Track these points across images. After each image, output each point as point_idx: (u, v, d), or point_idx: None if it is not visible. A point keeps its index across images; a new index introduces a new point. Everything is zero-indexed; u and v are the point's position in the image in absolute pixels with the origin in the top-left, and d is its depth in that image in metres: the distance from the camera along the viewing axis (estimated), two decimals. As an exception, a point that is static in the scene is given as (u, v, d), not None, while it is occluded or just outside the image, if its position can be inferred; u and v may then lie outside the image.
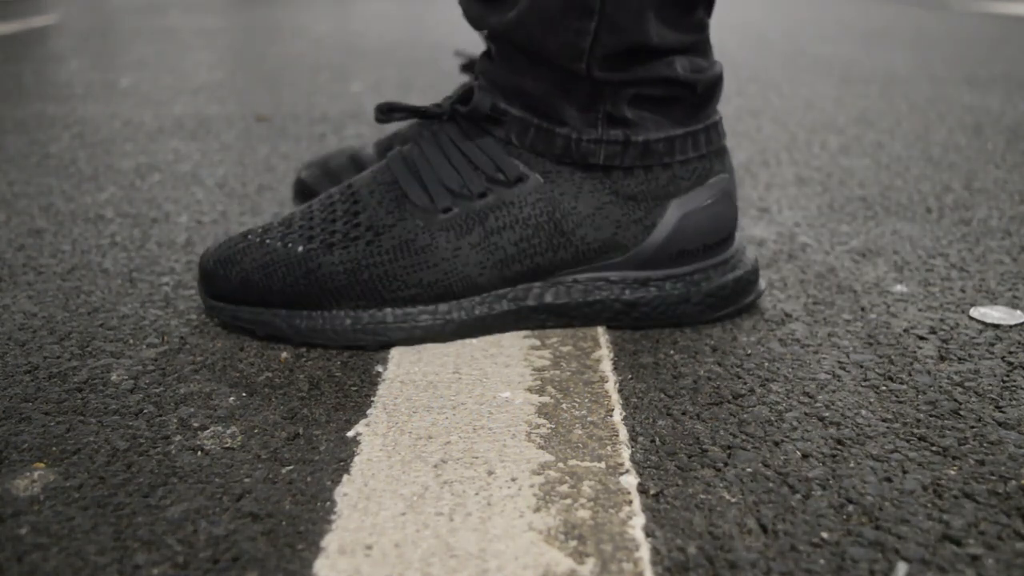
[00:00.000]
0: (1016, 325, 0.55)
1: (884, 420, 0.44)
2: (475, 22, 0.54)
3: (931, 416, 0.44)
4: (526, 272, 0.52)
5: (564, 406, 0.45)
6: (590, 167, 0.52)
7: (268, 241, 0.52)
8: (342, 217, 0.53)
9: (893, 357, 0.51)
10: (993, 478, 0.39)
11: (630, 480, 0.39)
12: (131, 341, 0.53)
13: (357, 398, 0.46)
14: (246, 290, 0.52)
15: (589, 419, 0.44)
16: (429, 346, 0.52)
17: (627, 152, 0.51)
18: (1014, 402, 0.46)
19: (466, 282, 0.51)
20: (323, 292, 0.51)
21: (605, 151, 0.51)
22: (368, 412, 0.45)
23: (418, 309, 0.52)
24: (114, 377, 0.48)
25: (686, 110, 0.52)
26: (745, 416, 0.44)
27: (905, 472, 0.40)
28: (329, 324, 0.51)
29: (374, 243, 0.51)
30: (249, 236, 0.53)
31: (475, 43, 2.13)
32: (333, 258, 0.51)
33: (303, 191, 0.72)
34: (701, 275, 0.54)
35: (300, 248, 0.52)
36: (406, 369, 0.49)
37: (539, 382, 0.48)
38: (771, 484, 0.39)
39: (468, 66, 0.77)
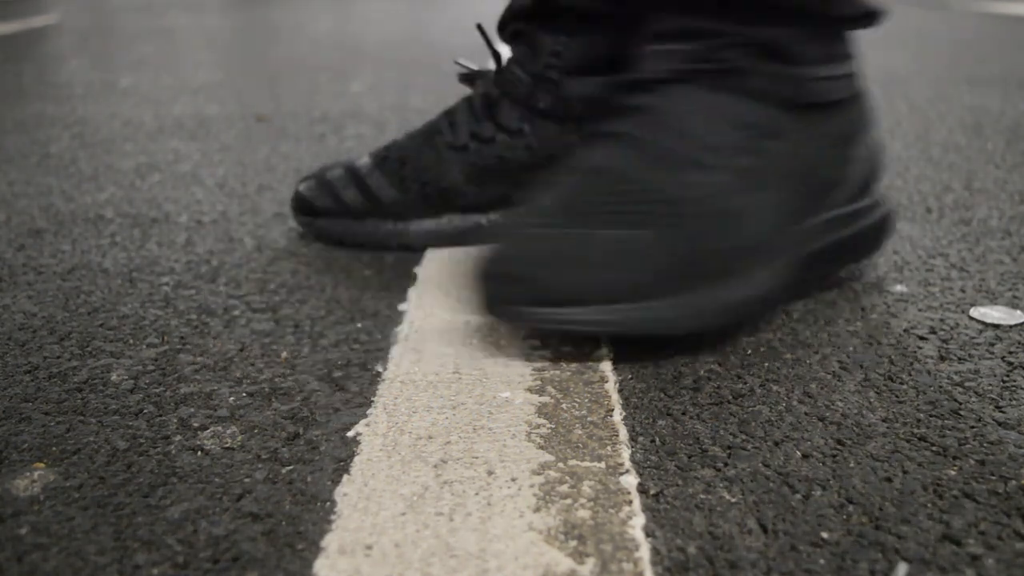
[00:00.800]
0: (1016, 325, 0.55)
1: (884, 420, 0.44)
2: None
3: (931, 416, 0.44)
4: (798, 223, 0.55)
5: (564, 406, 0.45)
6: (812, 110, 0.55)
7: (592, 231, 0.49)
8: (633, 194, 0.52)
9: (893, 357, 0.51)
10: (993, 478, 0.39)
11: (630, 480, 0.39)
12: (131, 341, 0.53)
13: (357, 398, 0.46)
14: (576, 289, 0.48)
15: (589, 419, 0.44)
16: (429, 346, 0.52)
17: (848, 84, 0.57)
18: (1014, 402, 0.46)
19: (766, 247, 0.53)
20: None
21: (838, 87, 0.56)
22: (368, 412, 0.45)
23: (740, 293, 0.51)
24: (114, 377, 0.48)
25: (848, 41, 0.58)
26: (745, 416, 0.44)
27: (905, 472, 0.40)
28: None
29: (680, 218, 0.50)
30: (570, 232, 0.49)
31: (474, 48, 2.13)
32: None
33: (301, 206, 0.72)
34: (867, 210, 0.60)
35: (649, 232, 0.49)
36: (406, 369, 0.49)
37: (539, 382, 0.48)
38: (771, 484, 0.39)
39: (467, 76, 0.73)
